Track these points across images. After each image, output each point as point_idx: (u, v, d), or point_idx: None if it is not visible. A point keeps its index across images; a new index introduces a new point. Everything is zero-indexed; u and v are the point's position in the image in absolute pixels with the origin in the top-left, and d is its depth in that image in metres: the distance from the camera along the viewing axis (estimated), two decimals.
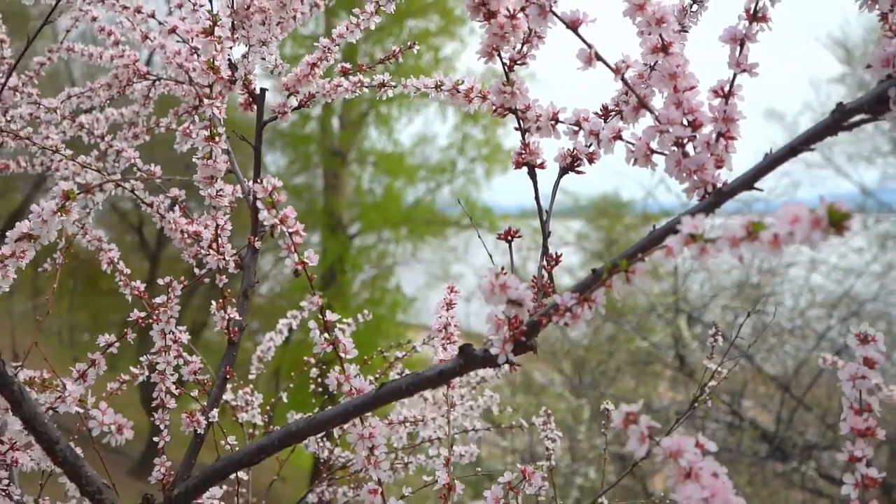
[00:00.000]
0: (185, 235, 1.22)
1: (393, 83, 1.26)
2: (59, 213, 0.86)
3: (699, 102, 0.76)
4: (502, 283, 0.70)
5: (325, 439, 1.72)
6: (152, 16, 1.34)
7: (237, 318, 1.18)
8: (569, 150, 0.89)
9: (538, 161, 0.89)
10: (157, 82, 1.53)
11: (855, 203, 8.00)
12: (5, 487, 1.11)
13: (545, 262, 0.86)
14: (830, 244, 7.68)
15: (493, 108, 0.90)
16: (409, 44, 1.33)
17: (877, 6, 0.70)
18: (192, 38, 1.27)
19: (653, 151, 0.78)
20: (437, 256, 11.02)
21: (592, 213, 10.07)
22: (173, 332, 1.15)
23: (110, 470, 0.97)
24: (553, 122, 0.88)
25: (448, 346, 1.12)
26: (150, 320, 1.13)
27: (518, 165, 0.90)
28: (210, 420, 1.13)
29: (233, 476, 1.43)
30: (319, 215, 9.66)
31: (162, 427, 1.14)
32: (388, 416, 1.53)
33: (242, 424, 1.54)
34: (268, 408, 1.67)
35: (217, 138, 1.02)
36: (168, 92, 1.54)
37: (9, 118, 1.50)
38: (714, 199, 0.71)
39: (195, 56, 1.27)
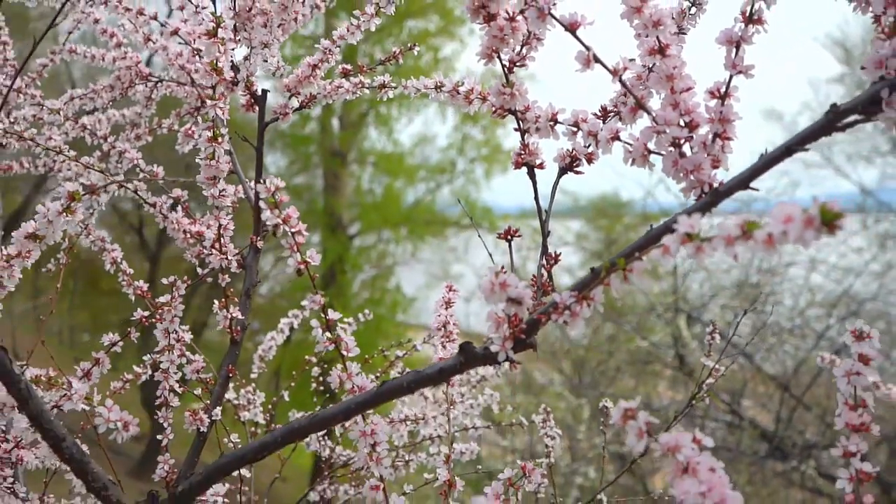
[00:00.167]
0: (188, 235, 1.23)
1: (393, 84, 1.27)
2: (64, 214, 0.87)
3: (696, 103, 0.77)
4: (502, 282, 0.71)
5: (326, 438, 1.73)
6: (154, 18, 1.35)
7: (239, 317, 1.19)
8: (568, 150, 0.90)
9: (537, 161, 0.90)
10: (159, 84, 1.54)
11: (854, 203, 8.01)
12: (10, 485, 1.12)
13: (544, 262, 0.87)
14: (830, 244, 7.69)
15: (493, 109, 0.91)
16: (409, 45, 1.35)
17: (870, 8, 0.71)
18: (195, 40, 1.28)
19: (650, 152, 0.79)
20: (437, 256, 11.04)
21: (592, 213, 10.09)
22: (177, 332, 1.16)
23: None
24: (552, 123, 0.89)
25: (447, 344, 1.14)
26: (154, 319, 1.14)
27: (518, 166, 0.91)
28: (213, 418, 1.14)
29: (235, 474, 1.44)
30: (319, 215, 9.67)
31: (165, 425, 1.15)
32: (389, 415, 1.54)
33: (244, 423, 1.55)
34: (269, 406, 1.68)
35: (220, 139, 1.04)
36: (170, 93, 1.55)
37: (12, 119, 1.51)
38: (710, 198, 0.72)
39: (197, 58, 1.28)
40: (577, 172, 0.89)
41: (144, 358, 1.29)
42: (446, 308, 1.16)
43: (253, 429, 1.58)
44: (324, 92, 1.29)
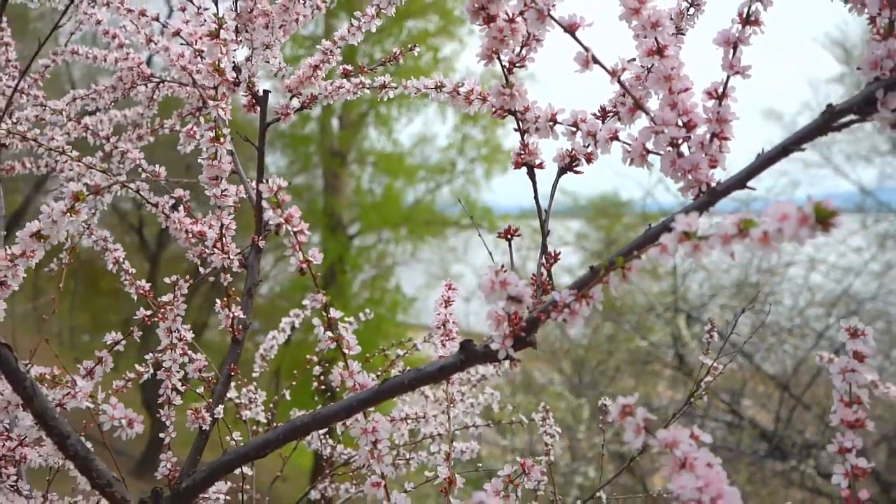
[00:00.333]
0: (190, 235, 1.24)
1: (394, 84, 1.28)
2: (68, 214, 0.88)
3: (693, 104, 0.78)
4: (502, 280, 0.72)
5: (327, 436, 1.74)
6: (156, 19, 1.36)
7: (241, 316, 1.20)
8: (567, 150, 0.91)
9: (537, 161, 0.91)
10: (161, 84, 1.55)
11: (853, 202, 8.02)
12: (14, 483, 1.13)
13: (544, 260, 0.88)
14: (829, 244, 7.71)
15: (493, 109, 0.92)
16: (409, 46, 1.35)
17: (866, 10, 0.72)
18: (196, 41, 1.29)
19: (649, 151, 0.80)
20: (436, 256, 11.05)
21: (592, 213, 10.10)
22: (179, 330, 1.17)
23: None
24: (551, 123, 0.90)
25: (447, 342, 1.14)
26: (156, 318, 1.15)
27: (517, 165, 0.92)
28: (215, 416, 1.15)
29: (238, 472, 1.45)
30: (319, 216, 9.68)
31: (168, 423, 1.16)
32: (390, 414, 1.55)
33: (246, 422, 1.56)
34: (271, 405, 1.69)
35: (222, 139, 1.04)
36: (171, 94, 1.56)
37: (14, 120, 1.52)
38: (708, 197, 0.73)
39: (199, 59, 1.29)
40: (577, 172, 0.90)
41: (147, 357, 1.30)
42: (446, 306, 1.16)
43: (254, 427, 1.59)
44: (325, 92, 1.30)
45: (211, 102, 1.03)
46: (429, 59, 9.78)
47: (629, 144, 0.82)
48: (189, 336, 1.19)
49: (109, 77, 1.61)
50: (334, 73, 1.35)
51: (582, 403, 6.86)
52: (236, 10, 1.22)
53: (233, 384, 1.46)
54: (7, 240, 1.66)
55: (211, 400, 1.16)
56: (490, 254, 0.97)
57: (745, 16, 0.76)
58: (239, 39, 1.22)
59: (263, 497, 1.59)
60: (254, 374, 1.74)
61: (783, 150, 0.69)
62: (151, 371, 1.29)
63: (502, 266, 0.75)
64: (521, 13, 0.81)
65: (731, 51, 0.76)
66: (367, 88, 1.31)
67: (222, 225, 1.15)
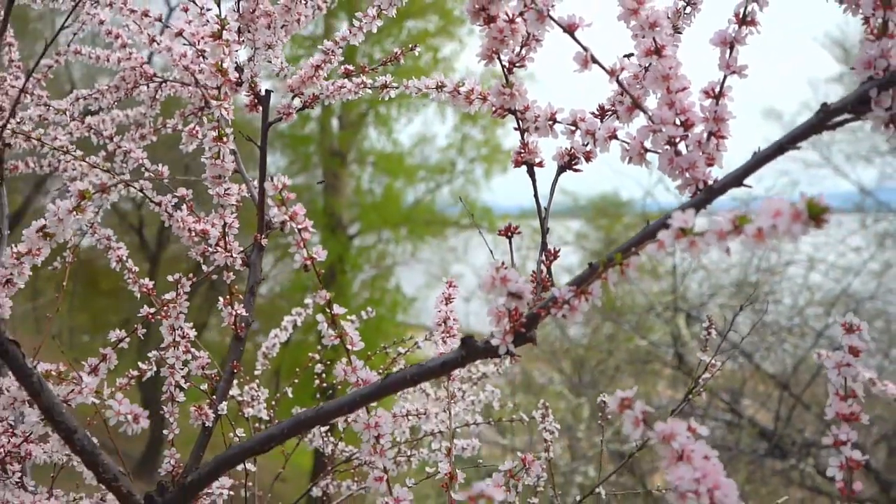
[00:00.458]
0: (193, 234, 1.25)
1: (395, 84, 1.30)
2: (74, 212, 0.89)
3: (691, 103, 0.79)
4: (503, 277, 0.73)
5: (329, 434, 1.75)
6: (159, 19, 1.37)
7: (244, 313, 1.21)
8: (566, 149, 0.92)
9: (537, 160, 0.93)
10: (164, 84, 1.56)
11: (853, 202, 8.04)
12: (19, 480, 1.14)
13: (544, 258, 0.89)
14: (829, 243, 7.73)
15: (493, 108, 0.93)
16: (410, 46, 1.37)
17: (860, 10, 0.73)
18: (199, 42, 1.30)
19: (647, 150, 0.81)
20: (436, 256, 11.06)
21: (592, 213, 10.11)
22: (182, 328, 1.18)
23: None
24: (551, 122, 0.91)
25: (448, 339, 1.16)
26: (160, 316, 1.16)
27: (518, 164, 0.93)
28: (218, 413, 1.16)
29: (240, 468, 1.46)
30: (319, 216, 9.68)
31: (171, 420, 1.17)
32: (391, 411, 1.56)
33: (248, 419, 1.57)
34: (273, 403, 1.70)
35: (225, 139, 1.06)
36: (174, 94, 1.57)
37: (18, 119, 1.53)
38: (705, 195, 0.74)
39: (201, 59, 1.30)
40: (576, 170, 0.91)
41: (150, 354, 1.31)
42: (447, 304, 1.18)
43: (257, 424, 1.60)
44: (326, 92, 1.32)
45: (214, 102, 1.04)
46: (429, 59, 9.79)
47: (628, 143, 0.83)
48: (192, 334, 1.20)
49: (109, 77, 1.62)
50: (335, 72, 1.36)
51: (582, 403, 6.87)
52: (238, 10, 1.23)
53: (235, 382, 1.48)
54: (11, 238, 1.67)
55: (214, 397, 1.17)
56: (491, 252, 0.99)
57: (741, 16, 0.77)
58: (241, 40, 1.23)
59: (266, 493, 1.60)
60: (256, 373, 1.75)
61: (779, 149, 0.70)
62: (154, 369, 1.31)
63: (503, 263, 0.76)
64: (521, 14, 0.82)
65: (728, 51, 0.77)
66: (369, 88, 1.32)
67: (225, 223, 1.17)
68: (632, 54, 0.83)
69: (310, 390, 1.81)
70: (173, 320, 1.14)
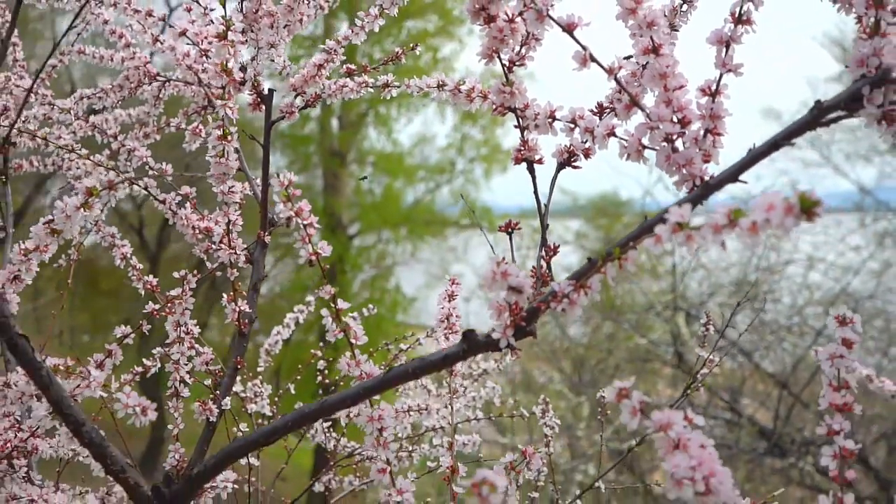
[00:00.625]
0: (197, 231, 1.27)
1: (396, 83, 1.31)
2: (82, 209, 0.90)
3: (688, 101, 0.80)
4: (503, 271, 0.75)
5: (331, 430, 1.77)
6: (163, 19, 1.38)
7: (247, 310, 1.23)
8: (566, 146, 0.93)
9: (537, 157, 0.94)
10: (167, 83, 1.58)
11: (852, 201, 8.05)
12: (26, 474, 1.15)
13: (543, 253, 0.91)
14: (829, 242, 7.74)
15: (494, 107, 0.94)
16: (411, 45, 1.38)
17: (853, 9, 0.74)
18: (202, 41, 1.32)
19: (644, 147, 0.83)
20: (436, 256, 11.08)
21: (591, 213, 10.13)
22: (186, 324, 1.20)
23: None
24: (550, 120, 0.93)
25: (450, 336, 1.17)
26: (165, 312, 1.17)
27: (518, 161, 0.94)
28: (223, 408, 1.17)
29: (244, 463, 1.47)
30: (319, 215, 9.62)
31: (176, 415, 1.19)
32: (392, 407, 1.57)
33: (251, 415, 1.59)
34: (275, 399, 1.72)
35: (229, 137, 1.07)
36: (177, 93, 1.58)
37: (23, 118, 1.55)
38: (701, 191, 0.76)
39: (204, 58, 1.31)
40: (575, 167, 0.93)
41: (154, 351, 1.32)
42: (449, 301, 1.19)
43: (260, 420, 1.62)
44: (329, 91, 1.33)
45: (219, 102, 1.05)
46: (428, 59, 9.80)
47: (626, 140, 0.85)
48: (196, 331, 1.22)
49: (109, 77, 1.64)
50: (337, 72, 1.38)
51: (582, 402, 6.89)
52: (242, 10, 1.25)
53: (238, 379, 1.49)
54: (16, 237, 1.68)
55: (218, 392, 1.19)
56: (492, 247, 1.00)
57: (737, 15, 0.78)
58: (244, 39, 1.25)
59: (269, 489, 1.61)
60: (259, 369, 1.77)
61: (774, 145, 0.72)
62: (158, 365, 1.32)
63: (503, 258, 0.78)
64: (521, 13, 0.83)
65: (724, 49, 0.79)
66: (370, 87, 1.34)
67: (229, 221, 1.18)
68: (630, 56, 0.84)
69: (311, 388, 1.82)
70: (178, 316, 1.16)
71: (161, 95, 1.58)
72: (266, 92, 1.31)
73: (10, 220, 1.61)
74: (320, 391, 1.78)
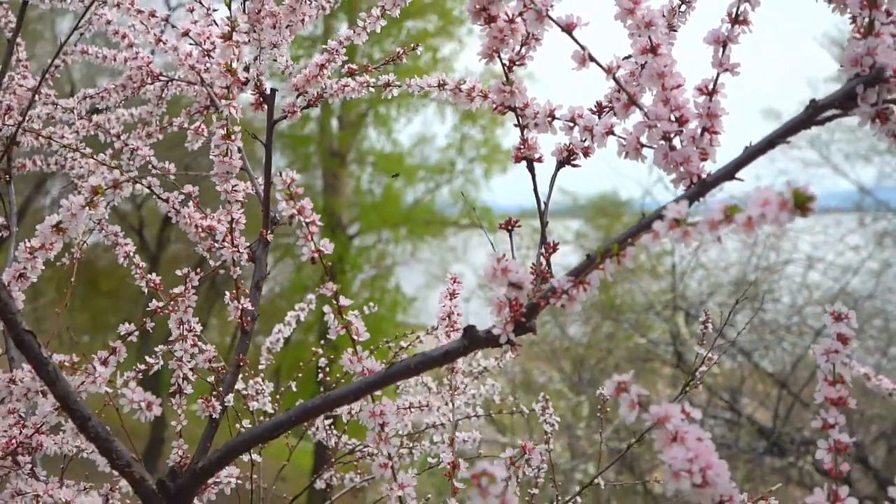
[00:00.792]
0: (199, 229, 1.28)
1: (398, 83, 1.33)
2: (87, 207, 0.91)
3: (685, 100, 0.81)
4: (504, 267, 0.76)
5: (332, 427, 1.78)
6: (166, 19, 1.40)
7: (250, 307, 1.24)
8: (565, 144, 0.94)
9: (536, 155, 0.95)
10: (170, 83, 1.59)
11: (852, 201, 8.07)
12: (31, 471, 1.16)
13: (543, 250, 0.92)
14: (828, 242, 7.76)
15: (494, 106, 0.96)
16: (412, 45, 1.40)
17: (848, 9, 0.76)
18: (204, 41, 1.33)
19: (642, 145, 0.84)
20: (436, 256, 11.09)
21: (591, 213, 10.15)
22: (189, 322, 1.21)
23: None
24: (550, 119, 0.94)
25: (451, 333, 1.18)
26: (168, 310, 1.19)
27: (518, 160, 0.96)
28: (225, 405, 1.19)
29: (246, 459, 1.49)
30: (319, 216, 9.67)
31: (179, 412, 1.20)
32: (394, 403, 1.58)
33: (253, 412, 1.60)
34: (277, 396, 1.73)
35: (233, 136, 1.08)
36: (179, 93, 1.60)
37: (27, 118, 1.56)
38: (698, 188, 0.77)
39: (207, 58, 1.32)
40: (574, 165, 0.94)
41: (157, 349, 1.33)
42: (451, 298, 1.20)
43: (261, 418, 1.63)
44: (330, 90, 1.34)
45: (223, 101, 1.07)
46: (428, 59, 9.82)
47: (624, 138, 0.86)
48: (199, 328, 1.23)
49: (108, 78, 1.65)
50: (338, 72, 1.39)
51: (582, 401, 6.90)
52: (244, 11, 1.26)
53: (240, 376, 1.50)
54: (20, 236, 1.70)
55: (221, 388, 1.20)
56: (492, 245, 1.01)
57: (733, 15, 0.79)
58: (247, 40, 1.26)
59: (271, 486, 1.63)
60: (260, 367, 1.78)
61: (769, 143, 0.73)
62: (161, 363, 1.33)
63: (503, 254, 0.79)
64: (521, 14, 0.84)
65: (721, 49, 0.80)
66: (372, 87, 1.35)
67: (232, 219, 1.19)
68: (629, 56, 0.86)
69: (311, 388, 1.84)
70: (181, 314, 1.17)
71: (164, 95, 1.60)
72: (268, 92, 1.32)
73: (13, 219, 1.62)
74: (321, 389, 1.79)
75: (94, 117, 1.64)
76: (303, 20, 1.30)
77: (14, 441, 1.13)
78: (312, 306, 1.91)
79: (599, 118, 0.92)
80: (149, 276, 1.34)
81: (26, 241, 0.99)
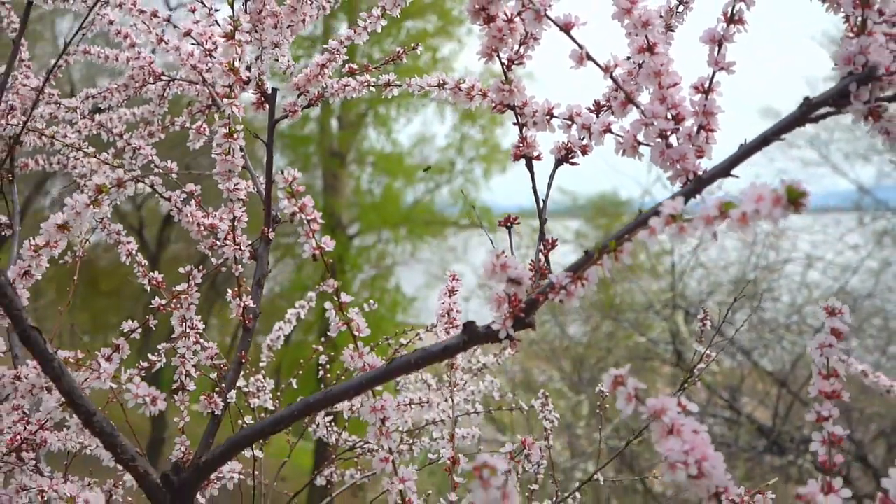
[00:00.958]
0: (201, 228, 1.29)
1: (398, 82, 1.34)
2: (91, 206, 0.93)
3: (682, 98, 0.83)
4: (503, 263, 0.77)
5: (333, 424, 1.79)
6: (168, 20, 1.41)
7: (252, 305, 1.25)
8: (563, 143, 0.96)
9: (535, 153, 0.96)
10: (171, 83, 1.60)
11: (851, 200, 8.08)
12: (35, 467, 1.18)
13: (542, 246, 0.93)
14: (828, 241, 7.77)
15: (493, 105, 0.97)
16: (412, 45, 1.41)
17: (841, 9, 0.77)
18: (206, 41, 1.34)
19: (639, 143, 0.85)
20: (436, 256, 11.10)
21: (591, 212, 10.16)
22: (191, 319, 1.22)
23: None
24: (548, 117, 0.95)
25: (451, 330, 1.19)
26: (171, 307, 1.20)
27: (517, 158, 0.97)
28: (227, 401, 1.20)
29: (248, 455, 1.50)
30: (320, 213, 9.68)
31: (182, 408, 1.21)
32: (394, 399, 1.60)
33: (255, 409, 1.61)
34: (278, 393, 1.75)
35: (235, 135, 1.09)
36: (181, 92, 1.61)
37: (31, 117, 1.57)
38: (694, 185, 0.78)
39: (209, 58, 1.34)
40: (573, 163, 0.95)
41: (159, 347, 1.35)
42: (450, 296, 1.21)
43: (262, 415, 1.64)
44: (331, 90, 1.36)
45: (225, 100, 1.08)
46: (428, 59, 9.83)
47: (621, 136, 0.87)
48: (201, 326, 1.24)
49: (108, 78, 1.66)
50: (339, 72, 1.40)
51: (581, 400, 6.91)
52: (246, 10, 1.27)
53: (241, 374, 1.51)
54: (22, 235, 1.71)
55: (223, 385, 1.21)
56: (492, 242, 1.02)
57: (729, 15, 0.81)
58: (249, 39, 1.27)
59: (272, 482, 1.64)
60: (261, 364, 1.79)
61: (764, 140, 0.74)
62: (164, 360, 1.35)
63: (502, 251, 0.80)
64: (520, 13, 0.86)
65: (717, 48, 0.81)
66: (372, 86, 1.36)
67: (234, 217, 1.20)
68: (628, 57, 0.87)
69: (311, 386, 1.85)
70: (184, 311, 1.18)
71: (165, 95, 1.61)
72: (270, 91, 1.33)
73: (17, 218, 1.63)
74: (322, 386, 1.81)
75: (97, 117, 1.65)
76: (304, 20, 1.31)
77: (18, 437, 1.14)
78: (313, 304, 1.92)
79: (597, 116, 0.93)
80: (151, 274, 1.35)
81: (31, 239, 1.00)
